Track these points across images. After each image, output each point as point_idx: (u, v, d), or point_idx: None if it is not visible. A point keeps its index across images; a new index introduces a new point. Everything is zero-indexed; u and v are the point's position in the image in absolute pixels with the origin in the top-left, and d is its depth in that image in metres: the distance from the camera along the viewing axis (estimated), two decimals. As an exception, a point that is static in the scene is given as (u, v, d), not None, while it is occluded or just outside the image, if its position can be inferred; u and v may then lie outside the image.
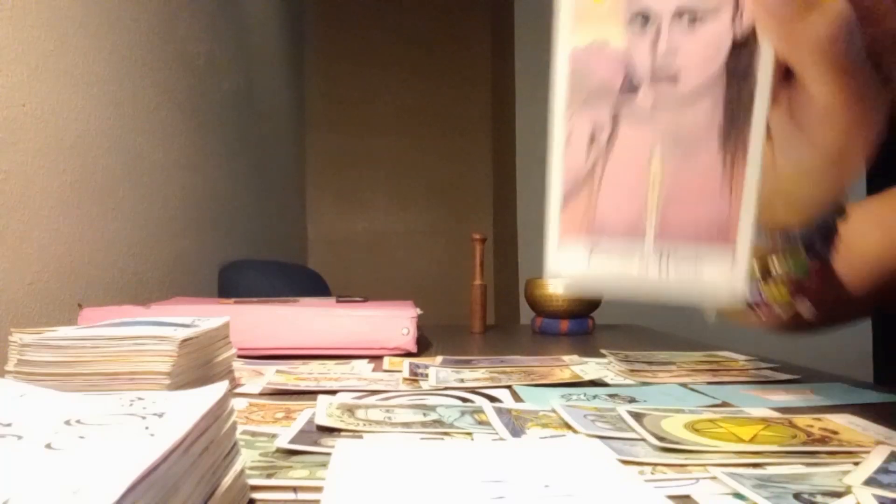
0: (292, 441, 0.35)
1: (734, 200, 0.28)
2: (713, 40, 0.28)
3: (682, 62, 0.28)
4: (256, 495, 0.28)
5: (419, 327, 0.78)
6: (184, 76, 1.34)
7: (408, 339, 0.76)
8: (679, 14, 0.28)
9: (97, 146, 0.96)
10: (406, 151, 3.36)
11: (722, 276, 0.28)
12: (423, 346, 0.82)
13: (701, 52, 0.28)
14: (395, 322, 0.77)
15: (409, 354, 0.76)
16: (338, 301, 0.93)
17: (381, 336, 0.76)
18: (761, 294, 0.43)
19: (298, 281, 1.85)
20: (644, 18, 0.28)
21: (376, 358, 0.73)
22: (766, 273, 0.43)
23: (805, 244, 0.42)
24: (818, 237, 0.42)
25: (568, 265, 0.30)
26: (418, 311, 0.80)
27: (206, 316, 0.55)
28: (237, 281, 1.51)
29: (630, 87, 0.29)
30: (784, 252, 0.42)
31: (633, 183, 0.29)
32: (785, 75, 0.31)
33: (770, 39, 0.27)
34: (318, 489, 0.28)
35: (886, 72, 0.31)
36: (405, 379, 0.58)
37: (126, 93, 1.06)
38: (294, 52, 2.97)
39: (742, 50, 0.27)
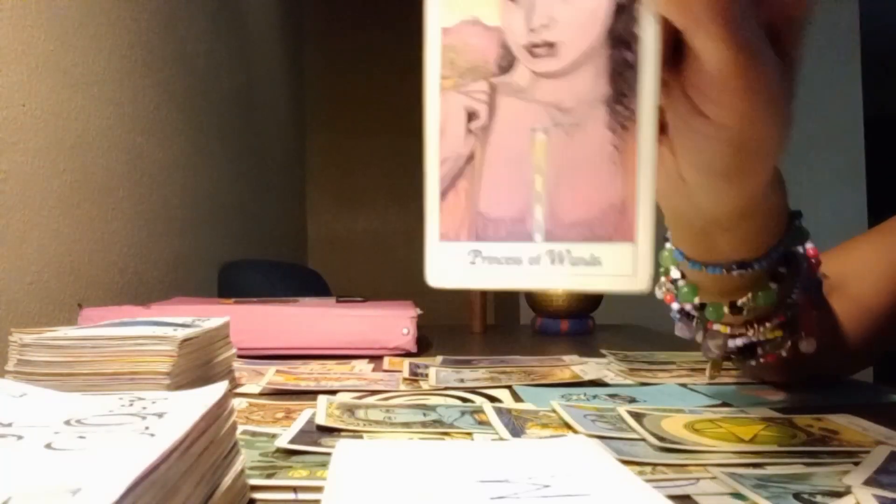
0: (292, 441, 0.35)
1: (628, 179, 0.25)
2: (591, 5, 0.25)
3: (559, 32, 0.26)
4: (256, 495, 0.28)
5: (419, 327, 0.78)
6: (184, 76, 1.34)
7: (408, 339, 0.76)
8: None
9: (97, 146, 0.96)
10: (406, 151, 3.36)
11: (625, 255, 0.25)
12: (423, 346, 0.82)
13: (578, 20, 0.25)
14: (395, 322, 0.77)
15: (409, 354, 0.76)
16: (338, 301, 0.93)
17: (381, 336, 0.76)
18: (752, 337, 0.43)
19: (298, 281, 1.85)
20: None
21: (376, 358, 0.73)
22: (735, 309, 0.41)
23: (770, 274, 0.41)
24: (784, 264, 0.41)
25: (449, 270, 0.27)
26: (418, 311, 0.80)
27: (206, 316, 0.55)
28: (237, 281, 1.50)
29: (506, 63, 0.26)
30: (748, 286, 0.41)
31: (515, 169, 0.26)
32: (676, 56, 0.29)
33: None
34: (318, 489, 0.28)
35: (786, 48, 0.29)
36: (405, 379, 0.58)
37: (126, 93, 1.06)
38: (294, 51, 2.97)
39: (624, 13, 0.25)
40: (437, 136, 0.27)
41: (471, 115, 0.27)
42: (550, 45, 0.26)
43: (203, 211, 1.45)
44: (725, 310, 0.42)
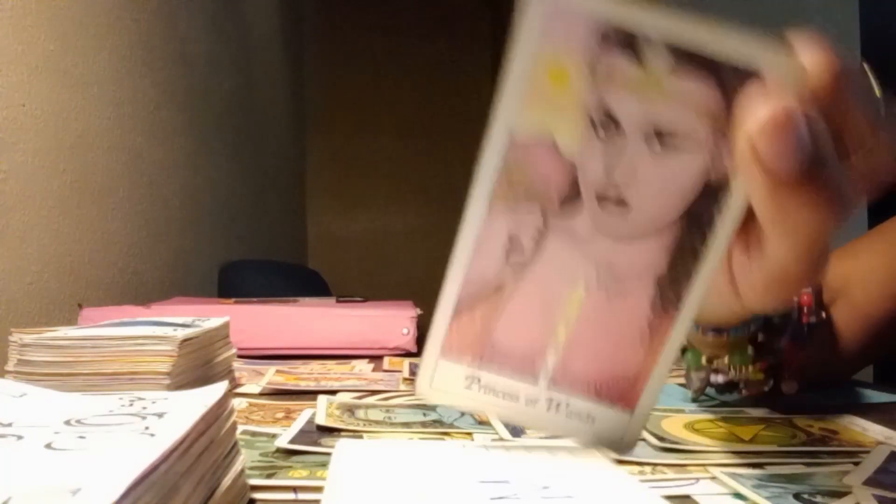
0: (292, 441, 0.35)
1: (650, 357, 0.24)
2: (681, 175, 0.22)
3: (638, 194, 0.23)
4: (256, 495, 0.28)
5: (419, 327, 0.78)
6: (184, 76, 1.34)
7: (408, 339, 0.76)
8: (650, 131, 0.22)
9: (97, 146, 0.96)
10: (406, 151, 3.36)
11: (618, 426, 0.25)
12: (423, 346, 0.82)
13: (664, 184, 0.23)
14: (395, 322, 0.77)
15: (409, 354, 0.76)
16: (338, 301, 0.93)
17: (381, 336, 0.76)
18: (734, 377, 0.43)
19: (298, 281, 1.85)
20: (606, 124, 0.22)
21: (376, 358, 0.73)
22: (712, 362, 0.42)
23: (749, 337, 0.41)
24: (762, 330, 0.41)
25: (443, 387, 0.26)
26: (418, 311, 0.80)
27: (206, 316, 0.55)
28: (237, 281, 1.50)
29: (571, 199, 0.23)
30: (724, 345, 0.41)
31: (542, 311, 0.24)
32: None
33: (754, 192, 0.22)
34: (318, 489, 0.28)
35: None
36: (405, 379, 0.58)
37: (126, 93, 1.06)
38: (294, 51, 2.97)
39: (710, 197, 0.23)
40: (469, 254, 0.24)
41: (512, 244, 0.24)
42: (623, 204, 0.23)
43: (203, 211, 1.45)
44: (703, 361, 0.43)
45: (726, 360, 0.42)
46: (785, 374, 0.44)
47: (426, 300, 1.03)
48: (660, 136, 0.22)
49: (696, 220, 0.23)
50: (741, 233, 0.26)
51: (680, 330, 0.24)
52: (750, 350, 0.41)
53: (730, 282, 0.27)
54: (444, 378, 0.26)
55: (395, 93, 3.35)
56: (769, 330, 0.42)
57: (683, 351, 0.44)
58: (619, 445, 0.25)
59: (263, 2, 2.22)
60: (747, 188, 0.22)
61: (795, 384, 0.44)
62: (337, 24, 3.34)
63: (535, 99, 0.22)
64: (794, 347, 0.43)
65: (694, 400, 0.50)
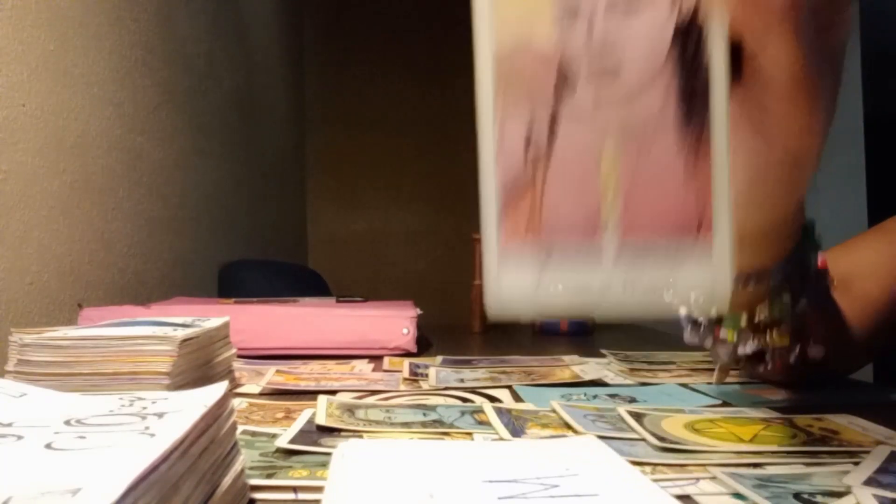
0: (292, 441, 0.35)
1: (702, 191, 0.25)
2: (653, 29, 0.25)
3: (622, 54, 0.25)
4: (256, 495, 0.28)
5: (419, 327, 0.78)
6: (184, 76, 1.34)
7: (408, 339, 0.76)
8: (612, 5, 0.25)
9: (97, 146, 0.96)
10: (406, 151, 3.36)
11: (702, 276, 0.25)
12: (423, 346, 0.82)
13: (641, 43, 0.25)
14: (395, 322, 0.77)
15: (409, 354, 0.76)
16: (338, 301, 0.93)
17: (381, 336, 0.76)
18: (761, 344, 0.43)
19: (298, 281, 1.85)
20: (573, 13, 0.25)
21: (376, 358, 0.73)
22: (752, 322, 0.42)
23: (786, 284, 0.41)
24: (797, 274, 0.41)
25: (514, 284, 0.26)
26: (418, 311, 0.80)
27: (206, 316, 0.55)
28: (237, 281, 1.50)
29: (566, 85, 0.25)
30: (765, 297, 0.41)
31: (582, 182, 0.26)
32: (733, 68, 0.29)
33: (722, 10, 0.25)
34: (318, 489, 0.28)
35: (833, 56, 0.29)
36: (405, 379, 0.58)
37: (126, 93, 1.06)
38: (294, 51, 2.97)
39: (688, 35, 0.25)
40: (493, 154, 0.26)
41: (528, 143, 0.26)
42: (612, 71, 0.25)
43: (203, 211, 1.45)
44: (743, 322, 0.42)
45: (764, 315, 0.42)
46: (810, 339, 0.43)
47: (426, 300, 1.03)
48: (619, 5, 0.25)
49: (684, 60, 0.25)
50: (738, 86, 0.28)
51: (721, 155, 0.25)
52: (787, 298, 0.41)
53: (756, 132, 0.29)
54: (513, 275, 0.26)
55: (395, 93, 3.35)
56: (796, 289, 0.41)
57: (719, 320, 0.44)
58: (713, 297, 0.25)
59: (263, 2, 2.22)
60: (719, 13, 0.25)
61: (822, 348, 0.44)
62: (337, 23, 3.34)
63: (505, 16, 0.26)
64: (816, 308, 0.43)
65: (720, 382, 0.49)
